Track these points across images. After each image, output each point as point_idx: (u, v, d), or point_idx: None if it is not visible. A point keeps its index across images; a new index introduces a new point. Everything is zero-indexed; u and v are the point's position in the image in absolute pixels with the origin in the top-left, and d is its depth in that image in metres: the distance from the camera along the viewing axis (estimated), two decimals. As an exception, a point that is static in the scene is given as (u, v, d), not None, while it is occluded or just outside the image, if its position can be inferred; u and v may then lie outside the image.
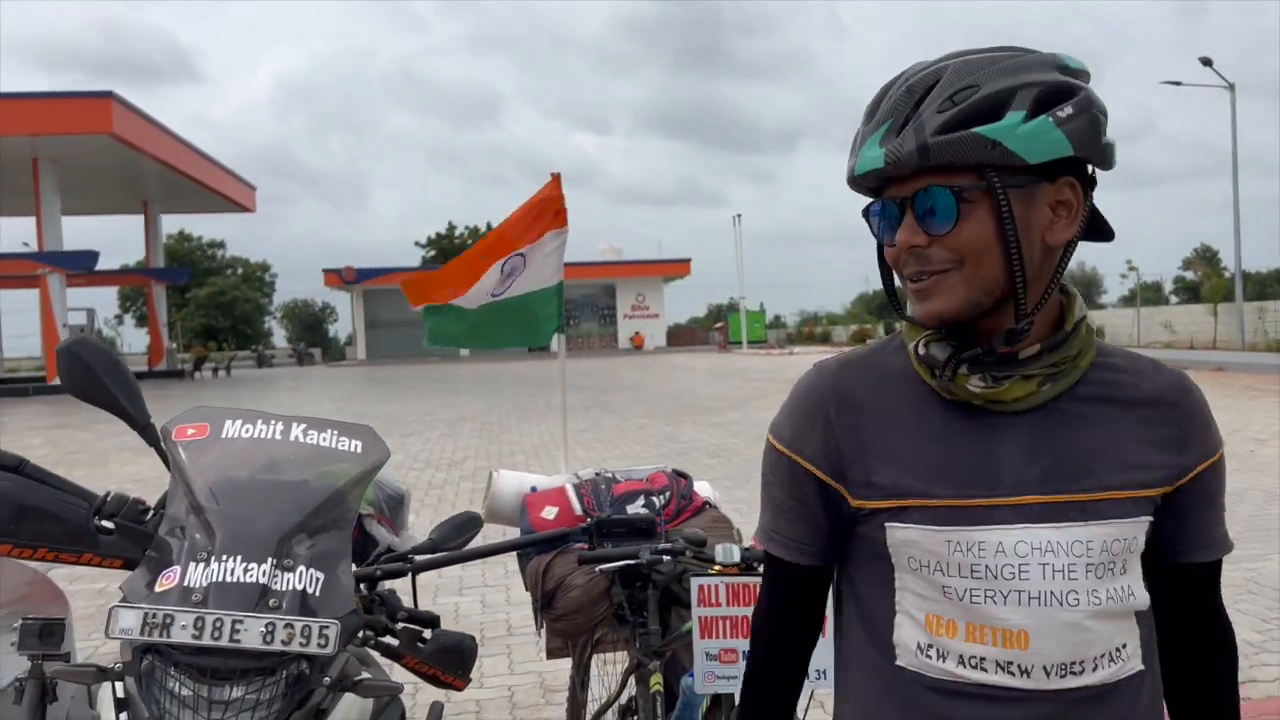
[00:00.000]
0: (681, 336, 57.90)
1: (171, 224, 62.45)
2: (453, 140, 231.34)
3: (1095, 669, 1.14)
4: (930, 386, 1.20)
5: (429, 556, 1.85)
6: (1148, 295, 52.81)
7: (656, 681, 2.44)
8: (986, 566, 1.13)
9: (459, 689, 1.75)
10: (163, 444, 1.53)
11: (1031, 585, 1.13)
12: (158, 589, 1.31)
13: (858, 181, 1.17)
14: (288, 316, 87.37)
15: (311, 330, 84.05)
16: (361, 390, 25.59)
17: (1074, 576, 1.13)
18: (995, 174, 1.09)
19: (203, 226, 76.50)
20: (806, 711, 2.09)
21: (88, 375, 1.54)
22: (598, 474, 2.78)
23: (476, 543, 1.99)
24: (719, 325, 56.75)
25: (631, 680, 2.61)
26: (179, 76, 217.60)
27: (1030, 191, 1.11)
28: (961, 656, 1.16)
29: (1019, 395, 1.15)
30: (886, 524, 1.18)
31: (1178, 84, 33.52)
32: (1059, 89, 1.10)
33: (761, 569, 1.52)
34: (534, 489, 2.77)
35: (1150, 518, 1.17)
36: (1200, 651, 1.28)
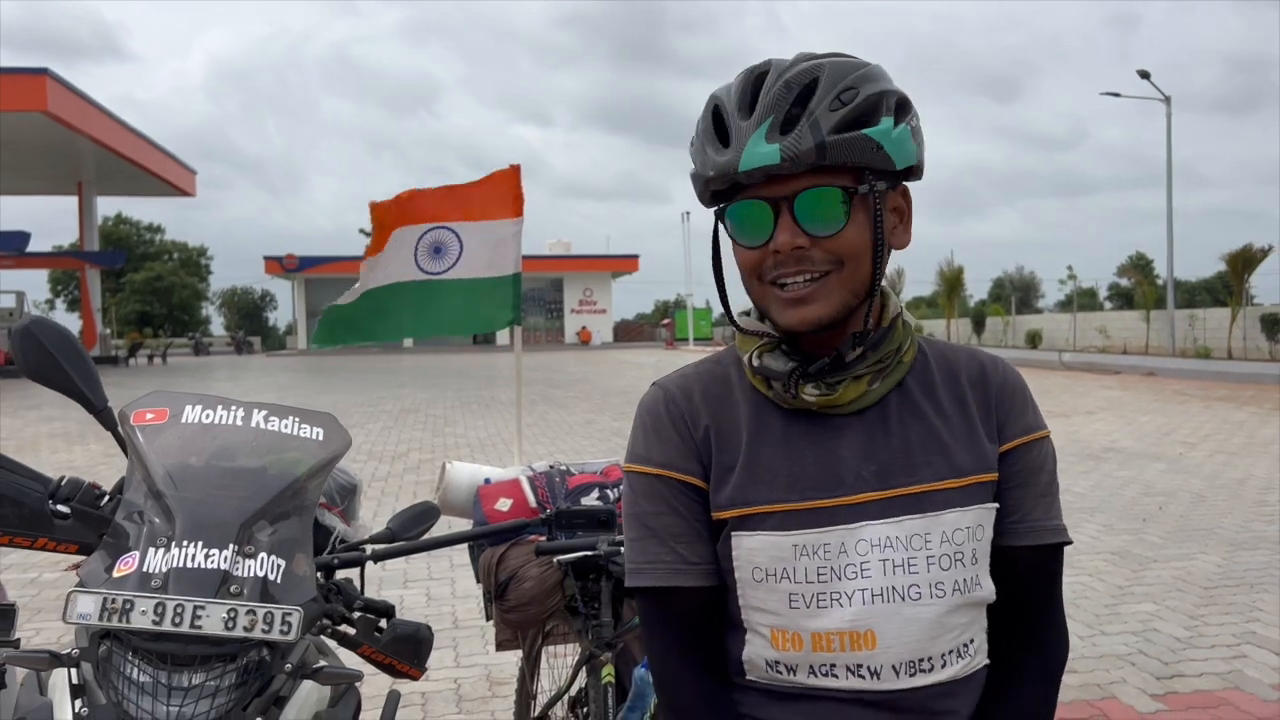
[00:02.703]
0: (628, 332, 57.89)
1: (108, 206, 60.89)
2: (392, 128, 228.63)
3: (944, 665, 1.13)
4: (767, 397, 1.18)
5: (387, 546, 1.84)
6: (1084, 301, 54.06)
7: (608, 673, 2.46)
8: (831, 568, 1.12)
9: (415, 678, 1.74)
10: (120, 428, 1.50)
11: (873, 582, 1.11)
12: (116, 574, 1.29)
13: (725, 179, 1.10)
14: (226, 304, 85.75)
15: (250, 318, 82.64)
16: (302, 380, 25.18)
17: (914, 570, 1.12)
18: (873, 177, 1.09)
19: (139, 210, 74.74)
20: None
21: (44, 357, 1.50)
22: (552, 466, 2.77)
23: (433, 534, 1.99)
24: (666, 322, 56.90)
25: (582, 672, 2.62)
26: (105, 55, 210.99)
27: (889, 196, 1.14)
28: (812, 667, 1.14)
29: (853, 397, 1.15)
30: (733, 534, 1.16)
31: (1117, 95, 34.34)
32: (904, 100, 1.12)
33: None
34: (488, 481, 2.76)
35: (995, 504, 1.17)
36: (1014, 646, 1.22)
